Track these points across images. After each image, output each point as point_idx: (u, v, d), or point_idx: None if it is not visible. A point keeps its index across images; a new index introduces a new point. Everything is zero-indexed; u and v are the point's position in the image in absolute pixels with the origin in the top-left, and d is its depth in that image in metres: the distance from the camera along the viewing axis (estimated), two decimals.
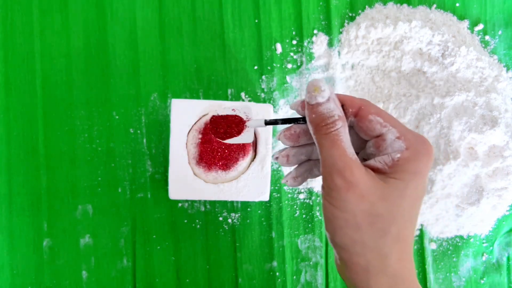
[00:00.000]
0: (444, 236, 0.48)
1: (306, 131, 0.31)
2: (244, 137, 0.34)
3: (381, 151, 0.28)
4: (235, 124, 0.34)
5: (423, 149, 0.27)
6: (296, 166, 0.33)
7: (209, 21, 0.46)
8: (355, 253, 0.27)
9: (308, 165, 0.33)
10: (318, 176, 0.33)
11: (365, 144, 0.30)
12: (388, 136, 0.28)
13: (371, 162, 0.28)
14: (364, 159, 0.30)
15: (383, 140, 0.28)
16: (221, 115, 0.34)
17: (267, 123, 0.32)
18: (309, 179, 0.37)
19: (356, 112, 0.29)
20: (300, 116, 0.31)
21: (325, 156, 0.27)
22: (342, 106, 0.29)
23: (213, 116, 0.34)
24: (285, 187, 0.46)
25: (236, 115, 0.34)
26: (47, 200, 0.45)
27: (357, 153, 0.31)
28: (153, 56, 0.46)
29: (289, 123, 0.31)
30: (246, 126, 0.33)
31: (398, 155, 0.27)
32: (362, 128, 0.28)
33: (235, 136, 0.34)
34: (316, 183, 0.47)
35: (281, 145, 0.46)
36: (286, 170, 0.46)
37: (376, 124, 0.28)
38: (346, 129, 0.28)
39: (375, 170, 0.28)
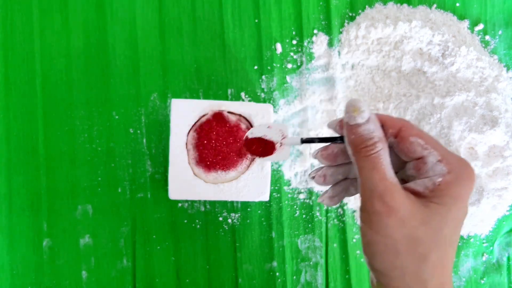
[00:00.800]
0: None
1: (344, 151, 0.30)
2: (281, 155, 0.34)
3: (422, 174, 0.27)
4: (267, 144, 0.35)
5: (465, 173, 0.27)
6: (332, 185, 0.33)
7: (209, 21, 0.46)
8: (395, 278, 0.27)
9: (345, 184, 0.32)
10: (354, 194, 0.32)
11: (405, 164, 0.29)
12: (429, 159, 0.27)
13: (411, 185, 0.27)
14: (403, 179, 0.29)
15: (424, 163, 0.27)
16: (255, 137, 0.35)
17: (304, 141, 0.32)
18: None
19: (396, 133, 0.28)
20: (338, 136, 0.30)
21: (364, 179, 0.27)
22: (382, 126, 0.28)
23: (247, 137, 0.34)
24: (285, 187, 0.46)
25: (265, 139, 0.34)
26: (47, 200, 0.45)
27: (396, 173, 0.30)
28: (153, 56, 0.46)
29: (326, 142, 0.31)
30: (282, 143, 0.33)
31: (440, 179, 0.26)
32: (403, 149, 0.28)
33: (269, 154, 0.34)
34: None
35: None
36: (287, 171, 0.46)
37: (417, 146, 0.27)
38: (387, 151, 0.27)
39: (415, 193, 0.27)
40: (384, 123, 0.28)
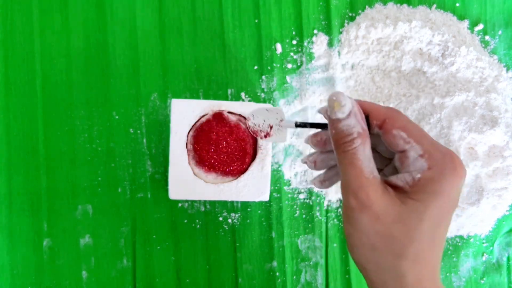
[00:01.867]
0: None
1: None
2: (279, 137, 0.35)
3: (404, 167, 0.27)
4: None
5: (449, 168, 0.26)
6: (325, 170, 0.33)
7: (209, 21, 0.46)
8: (372, 271, 0.27)
9: (336, 170, 0.32)
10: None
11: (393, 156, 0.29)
12: (410, 154, 0.26)
13: (393, 179, 0.27)
14: (395, 168, 0.29)
15: (406, 157, 0.27)
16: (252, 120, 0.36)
17: (297, 125, 0.32)
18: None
19: (380, 125, 0.27)
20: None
21: (343, 174, 0.27)
22: (368, 116, 0.28)
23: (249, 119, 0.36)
24: (285, 187, 0.46)
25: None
26: (47, 200, 0.45)
27: (390, 163, 0.30)
28: (153, 56, 0.46)
29: (318, 127, 0.31)
30: (280, 126, 0.34)
31: (419, 175, 0.26)
32: (387, 142, 0.27)
33: (269, 136, 0.36)
34: None
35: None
36: (287, 171, 0.46)
37: (400, 139, 0.26)
38: (367, 146, 0.27)
39: (396, 187, 0.27)
40: (370, 113, 0.28)
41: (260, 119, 0.35)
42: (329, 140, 0.31)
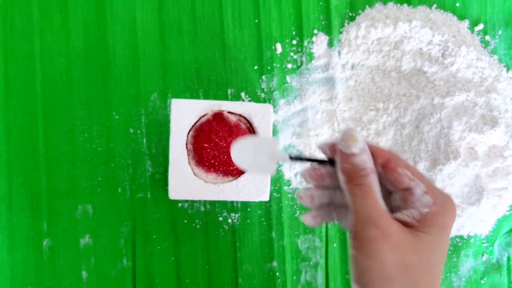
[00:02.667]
0: None
1: (331, 173, 0.31)
2: (266, 169, 0.31)
3: (408, 204, 0.28)
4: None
5: (448, 204, 0.28)
6: (316, 206, 0.33)
7: (209, 21, 0.46)
8: None
9: (328, 208, 0.32)
10: (334, 220, 0.32)
11: (388, 195, 0.30)
12: (416, 190, 0.28)
13: (399, 215, 0.28)
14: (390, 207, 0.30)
15: (411, 194, 0.28)
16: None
17: (292, 158, 0.31)
18: None
19: (384, 164, 0.29)
20: (326, 159, 0.30)
21: (357, 207, 0.27)
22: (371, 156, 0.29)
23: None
24: (285, 187, 0.46)
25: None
26: (47, 200, 0.45)
27: None
28: (153, 56, 0.46)
29: (314, 162, 0.31)
30: (270, 158, 0.30)
31: (426, 210, 0.28)
32: (391, 180, 0.29)
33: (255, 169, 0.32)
34: None
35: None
36: (287, 171, 0.46)
37: (405, 177, 0.28)
38: (377, 181, 0.28)
39: (402, 223, 0.28)
40: (373, 153, 0.29)
41: (247, 150, 0.30)
42: (327, 175, 0.31)
